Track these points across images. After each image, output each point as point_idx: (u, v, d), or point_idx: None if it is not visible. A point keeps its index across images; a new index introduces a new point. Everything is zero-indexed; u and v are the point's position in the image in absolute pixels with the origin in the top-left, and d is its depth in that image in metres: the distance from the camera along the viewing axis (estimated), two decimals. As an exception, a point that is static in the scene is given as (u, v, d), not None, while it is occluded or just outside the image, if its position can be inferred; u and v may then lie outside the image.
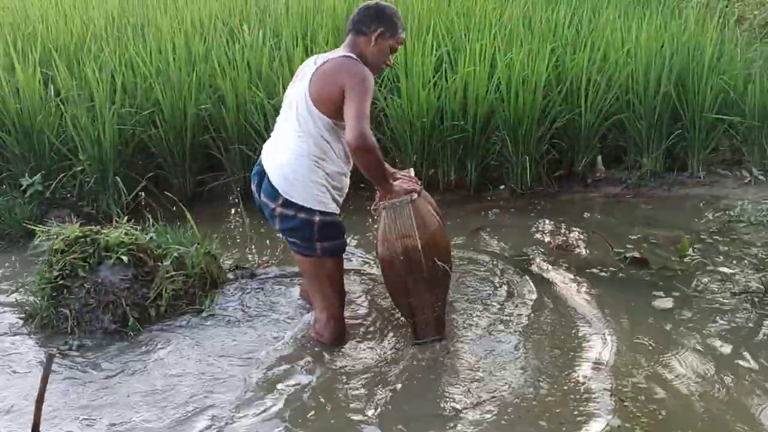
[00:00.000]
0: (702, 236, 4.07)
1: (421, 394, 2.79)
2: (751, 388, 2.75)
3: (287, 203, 2.92)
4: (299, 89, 2.92)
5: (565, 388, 2.78)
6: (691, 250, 3.83)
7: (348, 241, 3.19)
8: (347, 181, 3.06)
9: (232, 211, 4.78)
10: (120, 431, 2.64)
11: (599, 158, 5.03)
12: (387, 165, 3.02)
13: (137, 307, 3.32)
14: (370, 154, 2.76)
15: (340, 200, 3.05)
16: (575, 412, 2.64)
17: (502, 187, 4.93)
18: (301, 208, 2.91)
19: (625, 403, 2.66)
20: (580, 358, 2.97)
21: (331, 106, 2.83)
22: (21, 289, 3.57)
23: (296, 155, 2.90)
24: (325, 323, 3.12)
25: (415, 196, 2.96)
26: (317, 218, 2.92)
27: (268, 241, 4.21)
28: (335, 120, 2.85)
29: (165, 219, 4.00)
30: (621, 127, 4.96)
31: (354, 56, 2.90)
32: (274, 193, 2.94)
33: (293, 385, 2.89)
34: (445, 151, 4.76)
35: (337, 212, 3.01)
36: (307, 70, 2.95)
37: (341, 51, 2.96)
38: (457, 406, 2.71)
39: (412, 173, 3.24)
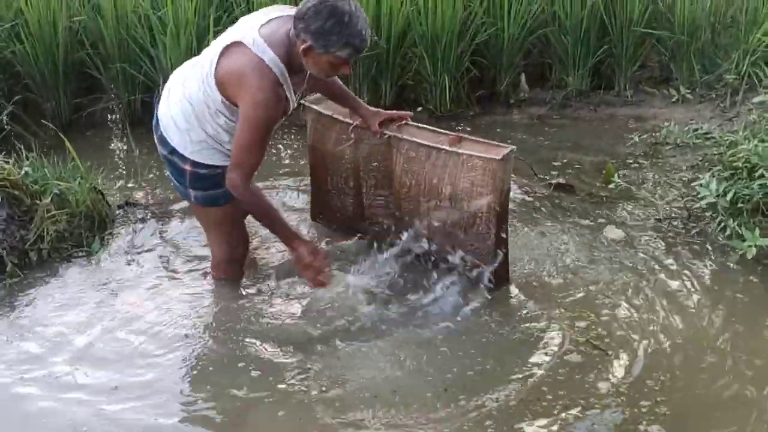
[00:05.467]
0: (628, 161, 4.23)
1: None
2: (693, 319, 2.88)
3: (163, 140, 2.82)
4: (214, 50, 2.64)
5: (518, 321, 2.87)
6: (616, 175, 3.94)
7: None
8: None
9: (117, 139, 4.66)
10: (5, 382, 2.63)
11: (523, 77, 5.09)
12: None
13: (15, 252, 3.26)
14: (247, 205, 2.77)
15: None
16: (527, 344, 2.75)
17: (419, 109, 4.91)
18: (174, 151, 2.80)
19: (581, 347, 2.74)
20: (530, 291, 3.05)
21: (225, 93, 2.63)
22: None
23: (187, 102, 2.73)
24: (212, 267, 3.15)
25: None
26: (188, 167, 2.80)
27: (159, 173, 4.09)
28: (226, 101, 2.66)
29: (39, 150, 3.82)
30: (546, 43, 5.02)
31: (268, 59, 2.55)
32: (156, 123, 2.86)
33: (197, 328, 2.91)
34: (356, 70, 4.69)
35: (223, 164, 2.81)
36: (236, 33, 2.64)
37: (275, 39, 2.58)
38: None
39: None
